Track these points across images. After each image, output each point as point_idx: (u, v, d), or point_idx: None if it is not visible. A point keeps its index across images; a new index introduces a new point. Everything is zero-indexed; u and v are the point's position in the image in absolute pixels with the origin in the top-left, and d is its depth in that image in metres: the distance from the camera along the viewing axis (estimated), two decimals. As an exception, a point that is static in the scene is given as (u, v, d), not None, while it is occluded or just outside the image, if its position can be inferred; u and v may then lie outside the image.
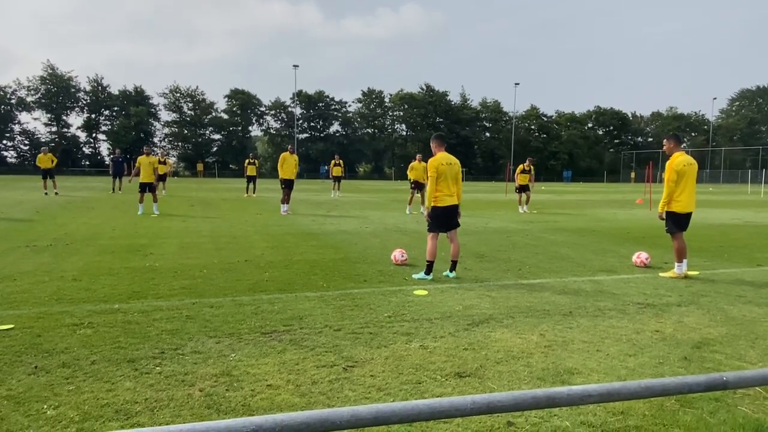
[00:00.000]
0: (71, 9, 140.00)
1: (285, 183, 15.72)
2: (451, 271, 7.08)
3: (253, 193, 24.42)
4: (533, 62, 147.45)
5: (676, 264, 7.32)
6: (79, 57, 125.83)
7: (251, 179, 24.49)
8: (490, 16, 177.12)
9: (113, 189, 25.25)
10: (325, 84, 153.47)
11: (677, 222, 7.36)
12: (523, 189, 18.00)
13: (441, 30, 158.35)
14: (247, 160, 25.11)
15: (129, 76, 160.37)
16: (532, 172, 18.28)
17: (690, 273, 7.43)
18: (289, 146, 17.09)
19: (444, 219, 7.05)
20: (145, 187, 14.70)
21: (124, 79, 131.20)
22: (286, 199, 15.64)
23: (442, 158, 6.99)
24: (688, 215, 7.41)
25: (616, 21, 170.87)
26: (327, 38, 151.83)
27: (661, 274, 7.39)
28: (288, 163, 15.85)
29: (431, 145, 7.24)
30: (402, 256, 7.88)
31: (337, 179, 25.69)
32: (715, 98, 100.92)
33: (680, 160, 7.27)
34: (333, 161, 26.19)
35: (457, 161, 7.16)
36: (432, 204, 6.99)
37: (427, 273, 6.91)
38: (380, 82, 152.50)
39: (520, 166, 18.17)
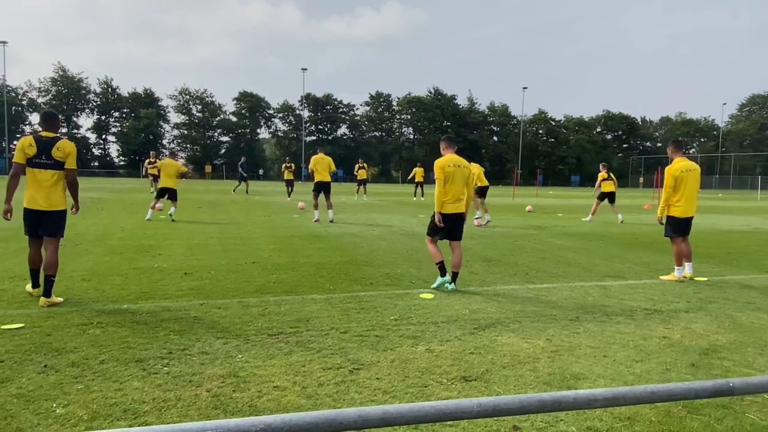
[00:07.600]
0: (70, 8, 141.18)
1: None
2: (451, 282, 6.51)
3: (288, 197, 23.80)
4: (541, 66, 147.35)
5: (675, 267, 7.47)
6: (78, 57, 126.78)
7: (290, 183, 24.92)
8: (494, 18, 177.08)
9: (246, 191, 27.18)
10: (332, 86, 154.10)
11: (676, 226, 7.53)
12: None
13: (447, 33, 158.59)
14: (284, 165, 25.82)
15: (133, 78, 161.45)
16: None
17: (698, 279, 7.48)
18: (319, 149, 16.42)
19: (447, 226, 6.55)
20: (164, 192, 14.25)
21: (126, 80, 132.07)
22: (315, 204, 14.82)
23: (450, 160, 6.52)
24: (688, 220, 7.54)
25: (625, 25, 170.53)
26: (333, 40, 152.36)
27: (661, 277, 7.53)
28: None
29: (441, 146, 6.83)
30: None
31: (362, 182, 26.63)
32: (725, 103, 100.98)
33: (678, 166, 7.44)
34: (357, 165, 27.57)
35: (468, 165, 6.72)
36: (436, 209, 6.51)
37: (443, 275, 6.52)
38: (388, 85, 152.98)
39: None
